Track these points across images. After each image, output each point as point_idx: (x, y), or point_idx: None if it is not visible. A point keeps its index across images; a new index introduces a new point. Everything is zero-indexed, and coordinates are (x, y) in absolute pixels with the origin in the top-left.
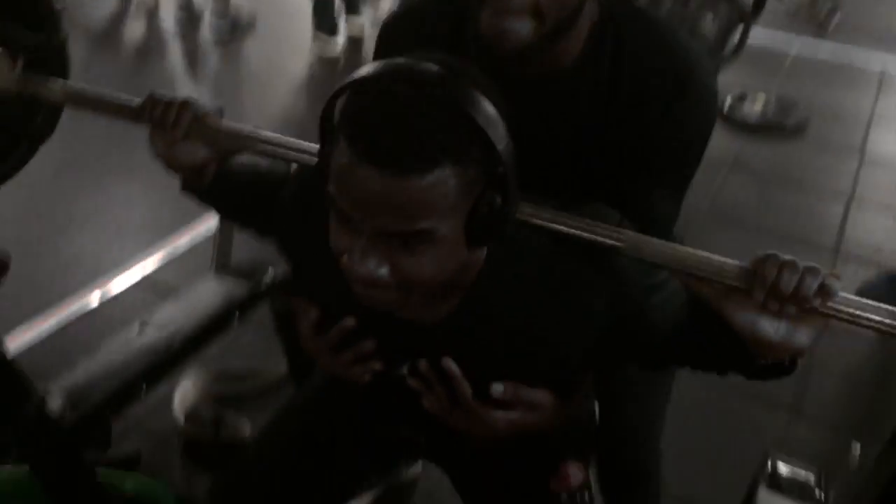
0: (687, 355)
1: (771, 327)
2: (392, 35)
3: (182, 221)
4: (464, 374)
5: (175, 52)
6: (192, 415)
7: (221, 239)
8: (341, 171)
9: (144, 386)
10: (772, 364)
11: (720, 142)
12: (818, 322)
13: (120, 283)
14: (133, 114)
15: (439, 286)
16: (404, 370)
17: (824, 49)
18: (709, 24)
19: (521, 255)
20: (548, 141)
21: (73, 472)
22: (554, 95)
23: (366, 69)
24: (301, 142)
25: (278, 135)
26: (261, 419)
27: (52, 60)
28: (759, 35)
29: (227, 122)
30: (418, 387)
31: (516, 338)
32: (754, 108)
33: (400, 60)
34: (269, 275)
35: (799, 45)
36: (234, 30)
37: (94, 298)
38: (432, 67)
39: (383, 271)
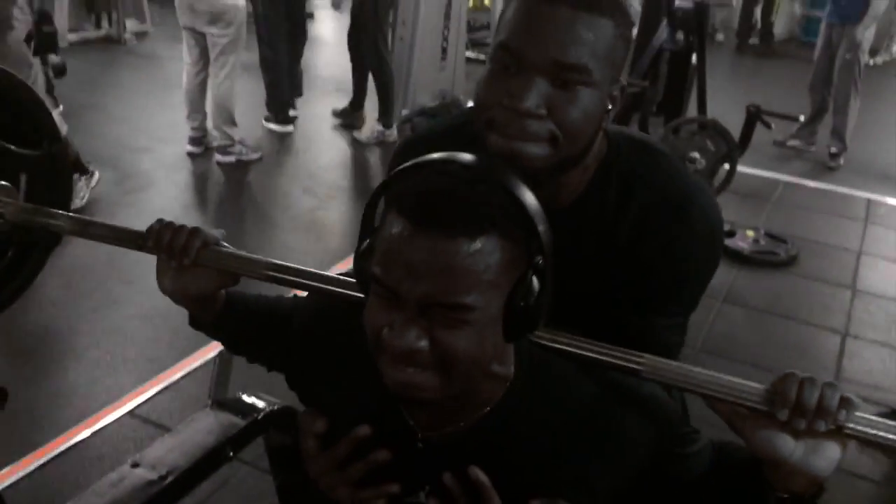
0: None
1: (788, 448)
2: (406, 159)
3: (177, 356)
4: None
5: (184, 176)
6: None
7: (219, 373)
8: (390, 244)
9: None
10: (792, 498)
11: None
12: (839, 443)
13: (112, 418)
14: (139, 242)
15: (473, 380)
16: (422, 497)
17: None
18: (698, 157)
19: (550, 379)
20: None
21: None
22: (558, 232)
23: (417, 159)
24: (311, 270)
25: (287, 263)
26: None
27: (54, 171)
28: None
29: (235, 250)
30: None
31: (544, 462)
32: (745, 240)
33: (448, 152)
34: (266, 410)
35: (788, 179)
36: (239, 162)
37: (85, 434)
38: (480, 156)
39: (423, 343)
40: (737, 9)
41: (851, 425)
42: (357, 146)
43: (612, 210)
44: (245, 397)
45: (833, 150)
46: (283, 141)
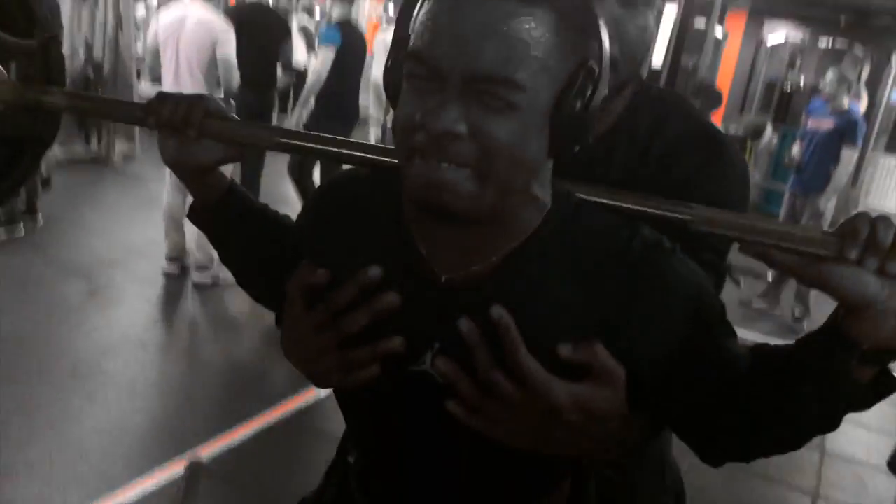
0: (765, 392)
1: (877, 285)
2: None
3: (133, 474)
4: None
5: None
6: None
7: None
8: (434, 14)
9: None
10: (877, 353)
11: None
12: None
13: None
14: (139, 116)
15: (511, 190)
16: (427, 361)
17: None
18: None
19: (590, 216)
20: None
21: None
22: (592, 157)
23: None
24: (321, 134)
25: (297, 130)
26: None
27: (46, 64)
28: None
29: (240, 119)
30: (448, 372)
31: (581, 305)
32: None
33: None
34: None
35: (753, 337)
36: (216, 284)
37: None
38: None
39: (462, 127)
40: None
41: None
42: None
43: (644, 132)
44: None
45: (797, 313)
46: None
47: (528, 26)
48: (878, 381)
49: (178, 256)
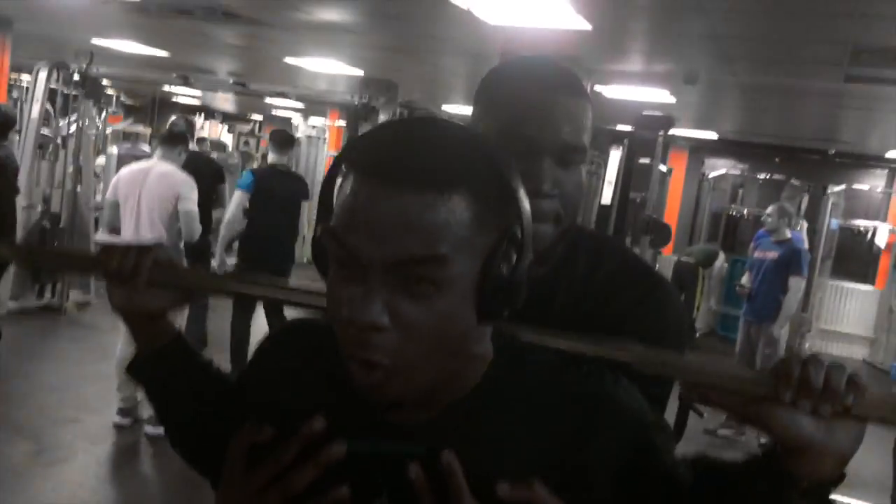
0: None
1: (812, 426)
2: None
3: None
4: None
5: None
6: None
7: None
8: (350, 205)
9: None
10: (816, 487)
11: None
12: (855, 426)
13: None
14: (89, 266)
15: (440, 368)
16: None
17: None
18: None
19: (532, 361)
20: None
21: None
22: (533, 297)
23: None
24: (269, 276)
25: (244, 274)
26: None
27: None
28: None
29: (186, 266)
30: None
31: (529, 447)
32: None
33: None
34: None
35: None
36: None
37: None
38: (452, 121)
39: (384, 319)
40: None
41: (859, 408)
42: None
43: (583, 272)
44: None
45: (762, 440)
46: None
47: (446, 212)
48: None
49: (130, 407)
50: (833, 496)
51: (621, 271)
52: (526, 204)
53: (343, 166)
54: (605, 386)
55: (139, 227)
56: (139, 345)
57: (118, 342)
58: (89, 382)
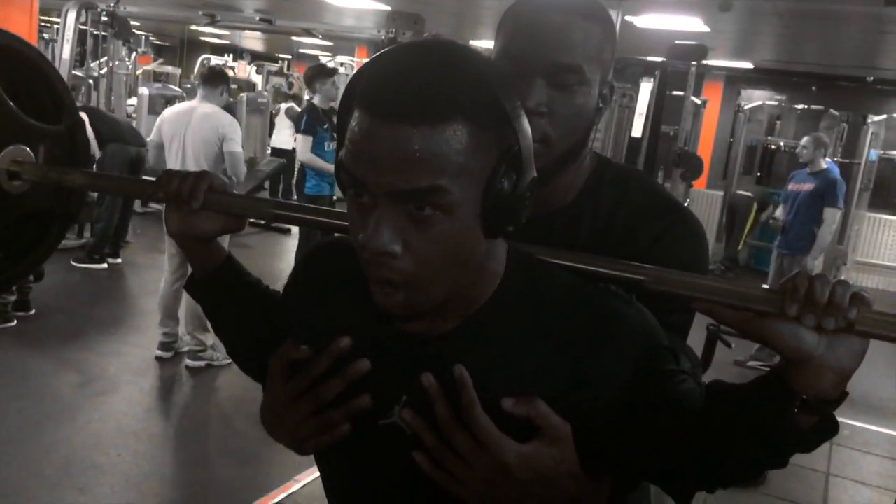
0: (715, 432)
1: (814, 340)
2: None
3: None
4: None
5: (151, 380)
6: None
7: None
8: (355, 140)
9: None
10: (817, 403)
11: None
12: (856, 342)
13: None
14: (149, 191)
15: (454, 281)
16: (396, 412)
17: None
18: None
19: (543, 276)
20: None
21: None
22: (557, 231)
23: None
24: (317, 207)
25: (294, 202)
26: None
27: (73, 147)
28: None
29: (240, 194)
30: (412, 423)
31: (538, 359)
32: None
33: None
34: None
35: None
36: (210, 367)
37: None
38: (448, 41)
39: (396, 247)
40: None
41: (863, 324)
42: None
43: (607, 206)
44: None
45: None
46: None
47: (442, 142)
48: (819, 426)
49: (171, 342)
50: (846, 420)
51: (646, 206)
52: (524, 123)
53: (349, 99)
54: (616, 304)
55: (185, 167)
56: (194, 267)
57: (159, 279)
58: (130, 318)
